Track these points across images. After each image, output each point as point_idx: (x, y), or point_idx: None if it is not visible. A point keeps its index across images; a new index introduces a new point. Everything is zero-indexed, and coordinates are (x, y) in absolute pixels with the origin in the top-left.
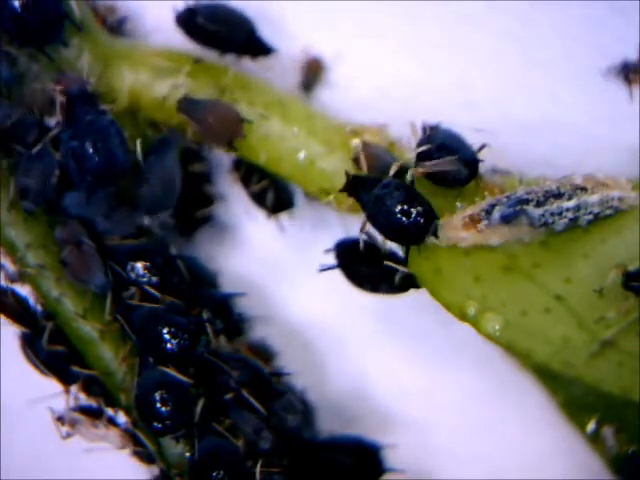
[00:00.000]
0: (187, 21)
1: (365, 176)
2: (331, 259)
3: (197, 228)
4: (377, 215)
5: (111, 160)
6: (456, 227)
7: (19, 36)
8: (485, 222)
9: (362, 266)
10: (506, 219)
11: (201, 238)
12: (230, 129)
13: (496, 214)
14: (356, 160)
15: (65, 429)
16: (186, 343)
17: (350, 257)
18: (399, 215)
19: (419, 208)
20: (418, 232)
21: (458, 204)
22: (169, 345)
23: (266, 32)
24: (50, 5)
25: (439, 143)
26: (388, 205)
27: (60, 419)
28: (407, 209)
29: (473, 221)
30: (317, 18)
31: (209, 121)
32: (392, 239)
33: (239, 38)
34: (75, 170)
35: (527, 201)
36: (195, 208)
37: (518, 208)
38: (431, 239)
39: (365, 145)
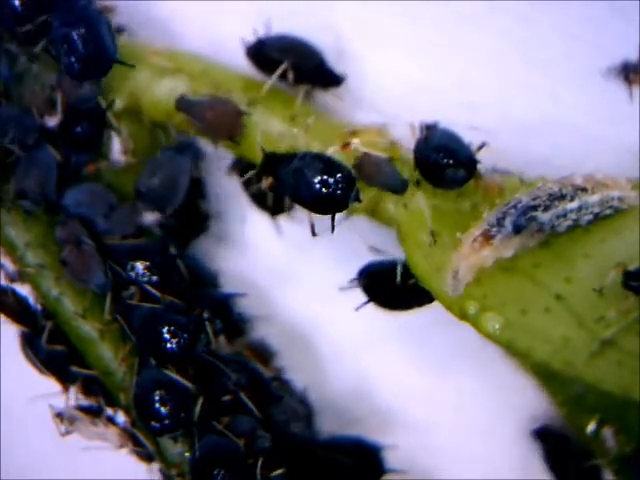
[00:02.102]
0: (257, 53)
1: (281, 153)
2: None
3: (192, 239)
4: (298, 188)
5: (101, 48)
6: (472, 251)
7: (19, 35)
8: (499, 236)
9: (391, 290)
10: (518, 228)
11: (201, 238)
12: (230, 123)
13: (508, 225)
14: (357, 167)
15: (64, 426)
16: (186, 342)
17: (377, 284)
18: (319, 185)
19: (338, 175)
20: (340, 200)
21: (458, 234)
22: (169, 344)
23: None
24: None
25: (436, 144)
26: (307, 176)
27: (59, 416)
28: (326, 178)
29: (486, 238)
30: (316, 19)
31: (208, 117)
32: (316, 210)
33: (309, 68)
34: (66, 58)
35: (535, 207)
36: (190, 222)
37: (528, 216)
38: (462, 282)
39: (366, 155)
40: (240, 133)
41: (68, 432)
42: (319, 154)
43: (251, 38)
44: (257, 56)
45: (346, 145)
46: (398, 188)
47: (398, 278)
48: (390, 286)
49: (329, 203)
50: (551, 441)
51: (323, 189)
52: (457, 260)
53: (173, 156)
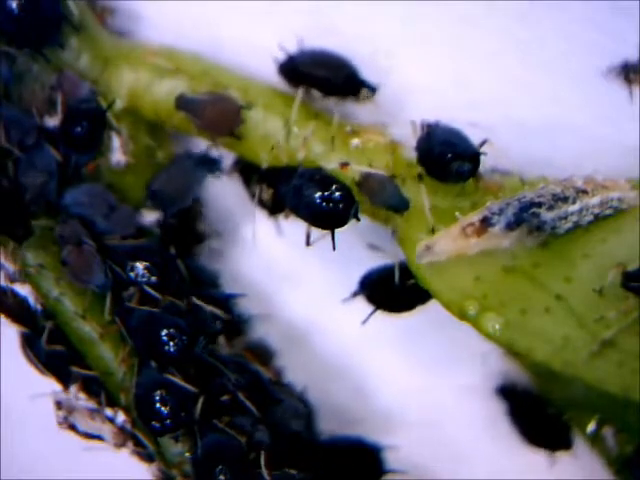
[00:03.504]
0: (290, 69)
1: (280, 168)
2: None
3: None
4: (299, 206)
5: None
6: (463, 235)
7: (17, 37)
8: (500, 225)
9: (394, 295)
10: (519, 220)
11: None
12: (230, 118)
13: (510, 215)
14: (360, 185)
15: (61, 414)
16: (184, 344)
17: (379, 291)
18: (319, 202)
19: (337, 193)
20: (341, 216)
21: (457, 214)
22: (167, 347)
23: (264, 32)
24: (48, 6)
25: (439, 139)
26: (307, 194)
27: (59, 404)
28: (326, 195)
29: (484, 224)
30: (317, 19)
31: (208, 114)
32: (317, 226)
33: (341, 81)
34: None
35: (540, 204)
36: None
37: (531, 211)
38: (432, 257)
39: (368, 175)
40: (240, 126)
41: (65, 419)
42: (318, 170)
43: (282, 55)
44: (290, 72)
45: (344, 165)
46: (400, 207)
47: (397, 279)
48: (393, 291)
49: (329, 219)
50: (516, 399)
51: (323, 206)
52: (443, 236)
53: (193, 166)
